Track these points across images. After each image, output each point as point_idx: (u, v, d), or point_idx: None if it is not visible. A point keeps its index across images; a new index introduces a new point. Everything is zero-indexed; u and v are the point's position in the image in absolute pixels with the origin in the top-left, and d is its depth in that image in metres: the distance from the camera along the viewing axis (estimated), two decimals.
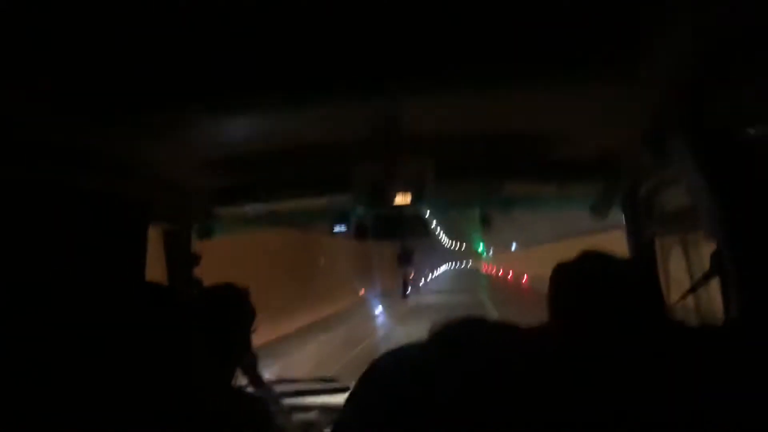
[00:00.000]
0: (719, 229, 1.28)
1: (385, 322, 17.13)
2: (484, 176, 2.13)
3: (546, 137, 1.75)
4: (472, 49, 1.15)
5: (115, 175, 1.68)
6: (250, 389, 2.08)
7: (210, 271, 2.61)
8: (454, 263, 65.47)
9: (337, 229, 2.63)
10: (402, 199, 2.26)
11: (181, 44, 1.09)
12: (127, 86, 1.21)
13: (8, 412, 0.96)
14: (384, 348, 0.94)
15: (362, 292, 22.94)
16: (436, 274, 49.20)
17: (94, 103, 1.24)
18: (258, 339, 1.95)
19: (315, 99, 1.31)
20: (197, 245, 2.65)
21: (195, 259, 2.63)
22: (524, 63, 1.18)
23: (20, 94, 1.14)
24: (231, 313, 1.77)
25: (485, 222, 2.69)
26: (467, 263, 68.69)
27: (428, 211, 2.73)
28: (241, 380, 1.98)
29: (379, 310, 19.23)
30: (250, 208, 2.44)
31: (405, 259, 2.78)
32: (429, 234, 2.64)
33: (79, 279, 1.59)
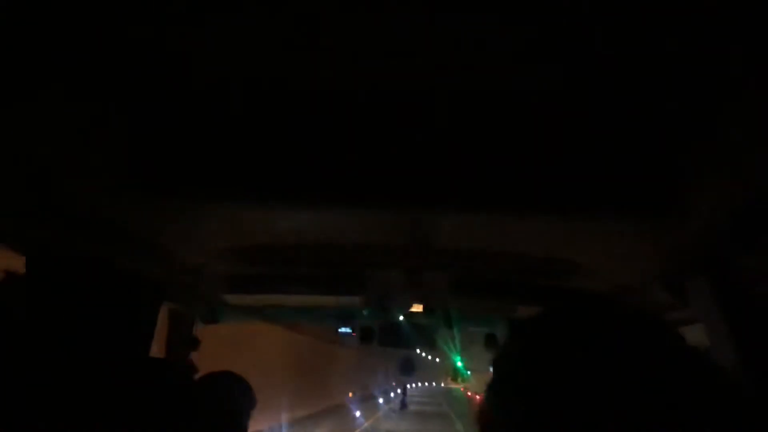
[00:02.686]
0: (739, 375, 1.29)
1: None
2: (499, 296, 2.15)
3: (566, 266, 1.79)
4: (504, 178, 1.20)
5: (136, 254, 1.70)
6: None
7: (207, 356, 2.58)
8: (432, 381, 62.30)
9: (343, 330, 2.62)
10: (415, 308, 2.28)
11: (217, 137, 1.14)
12: (160, 171, 1.25)
13: None
14: None
15: (350, 394, 22.26)
16: (418, 385, 47.64)
17: (133, 182, 1.27)
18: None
19: (341, 202, 1.34)
20: (199, 329, 2.64)
21: (195, 343, 2.60)
22: (553, 197, 1.22)
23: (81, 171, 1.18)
24: (233, 399, 1.74)
25: (491, 342, 2.68)
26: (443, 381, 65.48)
27: (433, 325, 2.73)
28: None
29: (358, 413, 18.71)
30: (258, 299, 2.44)
31: (408, 368, 2.76)
32: (435, 347, 2.63)
33: (91, 347, 1.58)
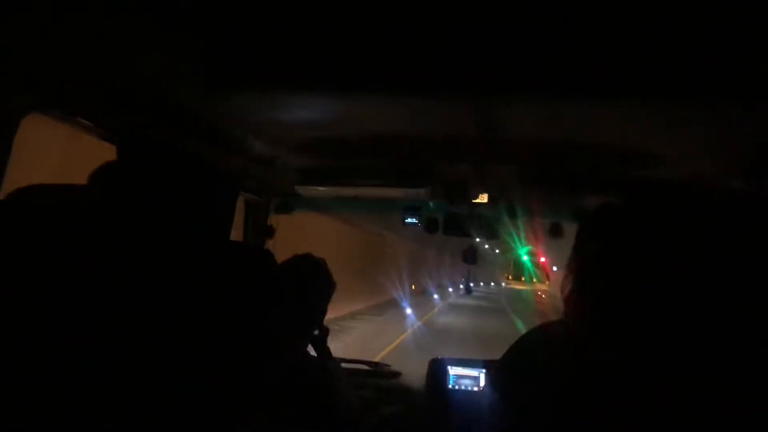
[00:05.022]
0: None
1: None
2: (567, 188, 2.14)
3: (642, 155, 1.74)
4: (580, 61, 1.14)
5: (215, 146, 1.78)
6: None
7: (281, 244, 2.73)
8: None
9: (409, 220, 2.70)
10: (480, 199, 2.31)
11: (289, 26, 1.14)
12: (234, 64, 1.28)
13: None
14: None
15: (413, 287, 22.83)
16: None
17: (211, 77, 1.32)
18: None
19: (410, 92, 1.34)
20: (273, 219, 2.78)
21: (270, 231, 2.76)
22: (636, 81, 1.15)
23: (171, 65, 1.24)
24: (317, 281, 1.85)
25: (556, 231, 2.71)
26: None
27: (498, 215, 2.76)
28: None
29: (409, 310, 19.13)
30: (328, 190, 2.52)
31: (471, 256, 2.85)
32: (498, 236, 2.69)
33: (177, 232, 1.71)
